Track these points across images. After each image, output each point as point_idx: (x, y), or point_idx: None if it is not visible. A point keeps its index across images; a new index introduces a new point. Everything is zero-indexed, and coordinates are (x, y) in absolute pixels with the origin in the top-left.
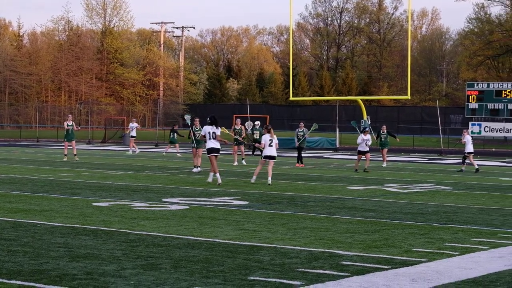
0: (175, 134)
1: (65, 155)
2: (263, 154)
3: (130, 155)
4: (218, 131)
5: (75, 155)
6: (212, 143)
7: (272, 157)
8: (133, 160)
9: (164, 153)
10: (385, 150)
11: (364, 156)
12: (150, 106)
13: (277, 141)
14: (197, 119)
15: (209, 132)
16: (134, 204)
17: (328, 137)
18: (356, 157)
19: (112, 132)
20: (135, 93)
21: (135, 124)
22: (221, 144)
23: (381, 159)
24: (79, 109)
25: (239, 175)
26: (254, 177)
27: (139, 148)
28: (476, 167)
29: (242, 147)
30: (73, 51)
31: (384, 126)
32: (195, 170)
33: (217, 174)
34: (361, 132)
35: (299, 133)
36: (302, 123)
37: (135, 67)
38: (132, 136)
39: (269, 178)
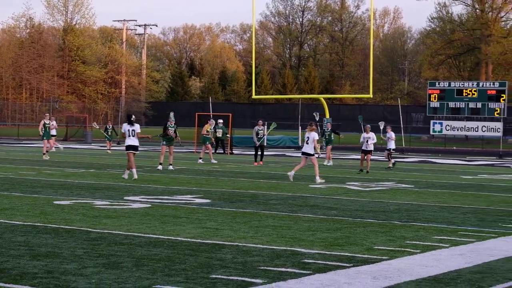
0: (112, 131)
1: (45, 153)
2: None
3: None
4: (138, 129)
5: (46, 152)
6: (130, 141)
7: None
8: (94, 158)
9: (109, 151)
10: (329, 147)
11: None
12: (112, 104)
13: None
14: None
15: (128, 130)
16: (95, 203)
17: (290, 136)
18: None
19: (74, 130)
20: (97, 91)
21: (54, 123)
22: (142, 140)
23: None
24: (55, 107)
25: (201, 173)
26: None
27: (100, 146)
28: (390, 165)
29: (210, 146)
30: (34, 48)
31: (329, 124)
32: (160, 167)
33: (133, 170)
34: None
35: (259, 131)
36: (261, 121)
37: (97, 65)
38: (53, 135)
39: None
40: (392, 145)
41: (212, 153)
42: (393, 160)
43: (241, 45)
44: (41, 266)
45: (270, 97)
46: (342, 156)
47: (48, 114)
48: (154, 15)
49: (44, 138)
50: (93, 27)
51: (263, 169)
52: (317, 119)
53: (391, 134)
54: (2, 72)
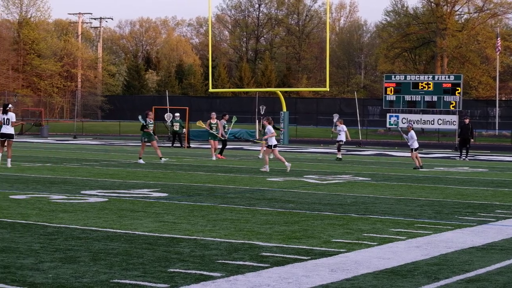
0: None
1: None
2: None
3: None
4: (13, 118)
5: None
6: (5, 129)
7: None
8: (50, 152)
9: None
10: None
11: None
12: (68, 97)
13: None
14: (151, 113)
15: (3, 119)
16: (52, 197)
17: (247, 129)
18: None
19: (29, 124)
20: (52, 85)
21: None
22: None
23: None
24: (14, 100)
25: (158, 167)
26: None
27: (57, 140)
28: (340, 156)
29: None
30: None
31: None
32: (141, 161)
33: (9, 159)
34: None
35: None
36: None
37: (53, 58)
38: None
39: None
40: (343, 137)
41: (174, 147)
42: (340, 155)
43: (197, 38)
44: None
45: (227, 91)
46: (299, 150)
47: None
48: (110, 8)
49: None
50: (48, 20)
51: (221, 162)
52: (262, 113)
53: (343, 127)
54: None
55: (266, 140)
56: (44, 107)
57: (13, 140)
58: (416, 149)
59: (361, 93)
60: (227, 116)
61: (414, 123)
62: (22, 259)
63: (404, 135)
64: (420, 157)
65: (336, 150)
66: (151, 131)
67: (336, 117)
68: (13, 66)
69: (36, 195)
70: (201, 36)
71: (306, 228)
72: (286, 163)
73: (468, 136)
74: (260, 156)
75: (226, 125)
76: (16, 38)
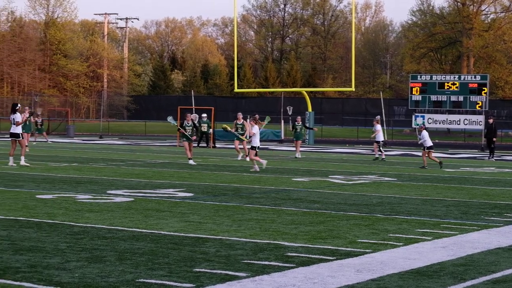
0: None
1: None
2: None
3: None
4: (18, 118)
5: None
6: (12, 129)
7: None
8: (76, 152)
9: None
10: (299, 142)
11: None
12: (94, 97)
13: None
14: (189, 114)
15: (12, 118)
16: (78, 196)
17: (273, 129)
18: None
19: (56, 124)
20: (78, 85)
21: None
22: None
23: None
24: (35, 100)
25: (184, 167)
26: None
27: (83, 140)
28: (383, 157)
29: (243, 143)
30: (15, 42)
31: (299, 117)
32: (191, 162)
33: (22, 157)
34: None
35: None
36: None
37: (79, 59)
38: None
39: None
40: (380, 137)
41: (195, 146)
42: (378, 155)
43: (223, 38)
44: (24, 260)
45: (253, 91)
46: (325, 150)
47: (27, 108)
48: (136, 9)
49: (25, 131)
50: (75, 21)
51: (246, 162)
52: (290, 113)
53: (378, 127)
54: None
55: (250, 139)
56: (70, 107)
57: (20, 139)
58: (429, 148)
59: (386, 93)
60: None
61: (440, 123)
62: (48, 258)
63: (419, 136)
64: (446, 157)
65: (378, 151)
66: (188, 133)
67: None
68: (40, 66)
69: (63, 195)
70: (226, 36)
71: (332, 228)
72: (261, 160)
73: (492, 136)
74: (247, 159)
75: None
76: (43, 39)
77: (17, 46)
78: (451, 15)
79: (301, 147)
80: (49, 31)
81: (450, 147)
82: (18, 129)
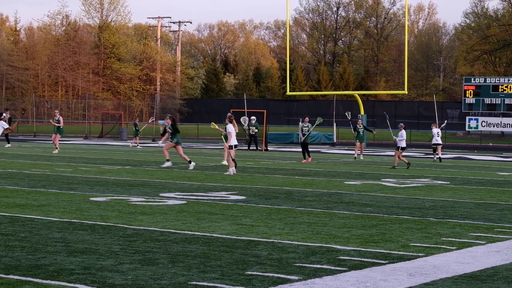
0: (136, 127)
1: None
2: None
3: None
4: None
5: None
6: None
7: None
8: (129, 154)
9: (130, 146)
10: (362, 144)
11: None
12: (147, 101)
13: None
14: (168, 116)
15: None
16: (131, 199)
17: (325, 132)
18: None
19: (109, 127)
20: (132, 88)
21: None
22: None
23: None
24: (48, 107)
25: (237, 170)
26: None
27: (135, 143)
28: (438, 157)
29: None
30: (70, 45)
31: (360, 120)
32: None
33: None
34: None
35: (304, 128)
36: (307, 118)
37: (132, 62)
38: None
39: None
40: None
41: (250, 149)
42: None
43: (275, 41)
44: (77, 262)
45: (305, 94)
46: (377, 153)
47: (57, 111)
48: (189, 12)
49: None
50: (128, 25)
51: (298, 165)
52: (349, 118)
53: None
54: (38, 69)
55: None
56: (123, 110)
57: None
58: (402, 149)
59: (440, 96)
60: (307, 119)
61: (494, 126)
62: (102, 260)
63: (394, 137)
64: (499, 161)
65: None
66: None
67: (440, 125)
68: (94, 70)
69: (116, 198)
70: (278, 39)
71: (384, 232)
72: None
73: None
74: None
75: (305, 128)
76: (97, 42)
77: (72, 50)
78: (505, 17)
79: (358, 149)
80: (103, 35)
81: (504, 151)
82: None
